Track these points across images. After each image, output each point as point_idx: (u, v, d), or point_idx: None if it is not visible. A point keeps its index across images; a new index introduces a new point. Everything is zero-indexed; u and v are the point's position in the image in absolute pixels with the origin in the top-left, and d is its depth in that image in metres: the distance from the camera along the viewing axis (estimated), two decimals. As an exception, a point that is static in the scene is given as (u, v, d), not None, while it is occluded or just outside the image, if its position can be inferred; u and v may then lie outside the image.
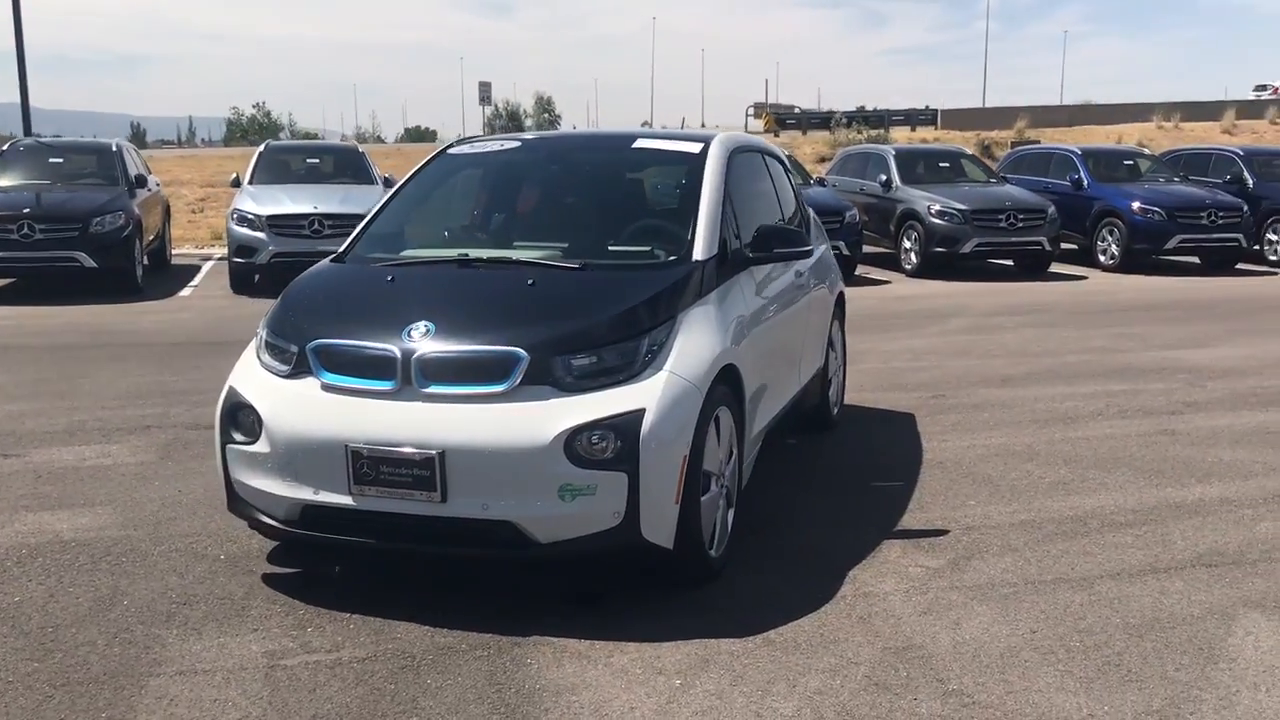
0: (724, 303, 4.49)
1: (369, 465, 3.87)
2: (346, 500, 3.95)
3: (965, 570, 4.44)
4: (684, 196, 4.85)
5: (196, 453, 6.15)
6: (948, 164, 17.12)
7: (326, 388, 4.06)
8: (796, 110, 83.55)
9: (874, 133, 34.88)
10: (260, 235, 13.02)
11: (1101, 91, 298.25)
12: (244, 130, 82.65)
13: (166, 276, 15.11)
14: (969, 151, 19.04)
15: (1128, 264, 15.88)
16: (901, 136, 36.94)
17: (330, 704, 3.38)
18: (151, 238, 14.65)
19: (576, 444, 3.78)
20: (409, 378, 3.95)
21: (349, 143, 23.39)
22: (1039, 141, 29.99)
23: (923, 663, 3.63)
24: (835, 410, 6.70)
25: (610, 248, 4.71)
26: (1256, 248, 16.66)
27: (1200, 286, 14.68)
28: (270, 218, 13.03)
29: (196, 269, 16.20)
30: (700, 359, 4.09)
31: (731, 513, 4.45)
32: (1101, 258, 16.25)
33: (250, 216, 13.12)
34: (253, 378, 4.25)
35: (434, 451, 3.81)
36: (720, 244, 4.62)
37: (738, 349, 4.42)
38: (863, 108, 69.02)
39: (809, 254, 4.99)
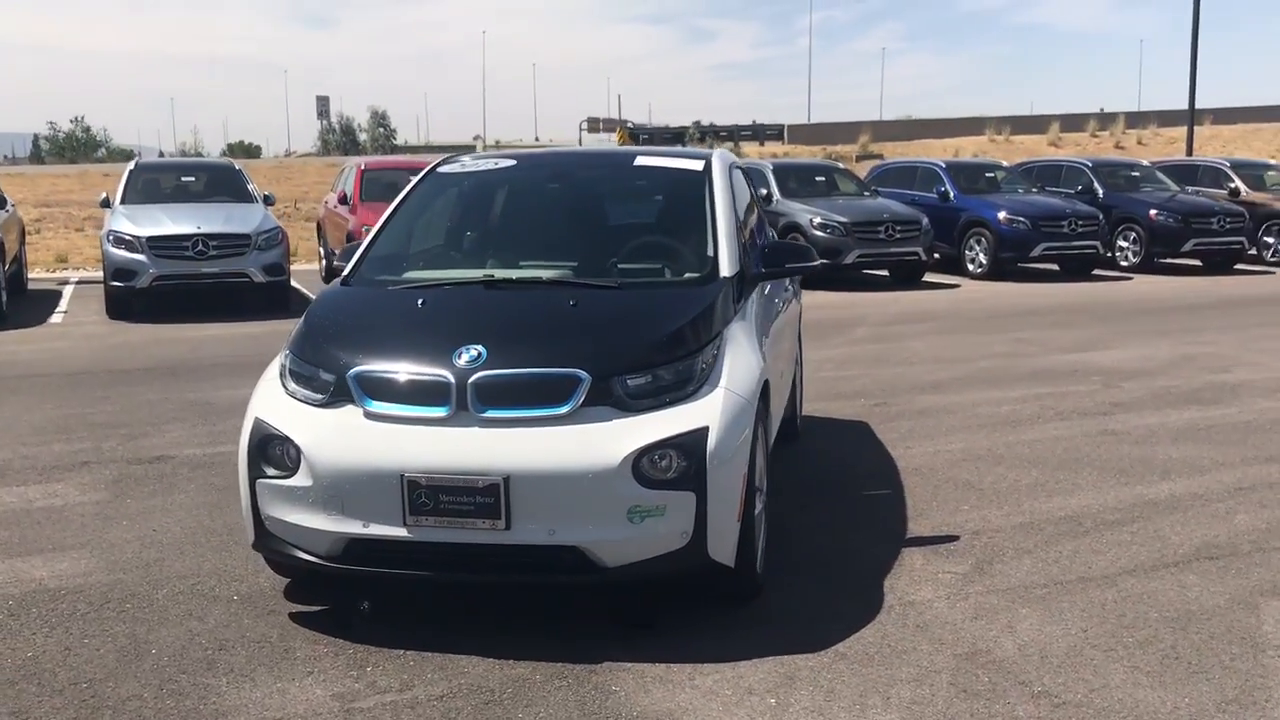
0: (750, 318, 4.51)
1: (427, 495, 3.75)
2: (400, 532, 3.81)
3: (991, 574, 4.55)
4: (696, 214, 4.85)
5: (153, 489, 5.85)
6: (823, 177, 17.61)
7: (371, 416, 3.91)
8: (629, 125, 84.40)
9: (728, 146, 35.46)
10: (140, 258, 12.42)
11: (918, 106, 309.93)
12: (60, 146, 78.69)
13: (28, 303, 14.27)
14: (842, 165, 19.58)
15: (995, 272, 16.58)
16: (752, 151, 37.69)
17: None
18: (10, 262, 13.82)
19: (643, 465, 3.74)
20: (464, 403, 3.83)
21: (223, 159, 22.56)
22: (882, 156, 31.06)
23: (997, 667, 3.71)
24: (798, 420, 6.80)
25: (631, 266, 4.67)
26: (1109, 255, 17.59)
27: (1066, 292, 15.42)
28: (151, 239, 12.46)
29: (57, 294, 15.36)
30: (749, 375, 4.10)
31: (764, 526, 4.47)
32: (970, 266, 16.91)
33: (128, 238, 12.50)
34: (282, 408, 4.06)
35: (498, 478, 3.71)
36: (739, 260, 4.64)
37: (766, 364, 4.45)
38: (698, 122, 69.94)
39: (817, 268, 5.05)
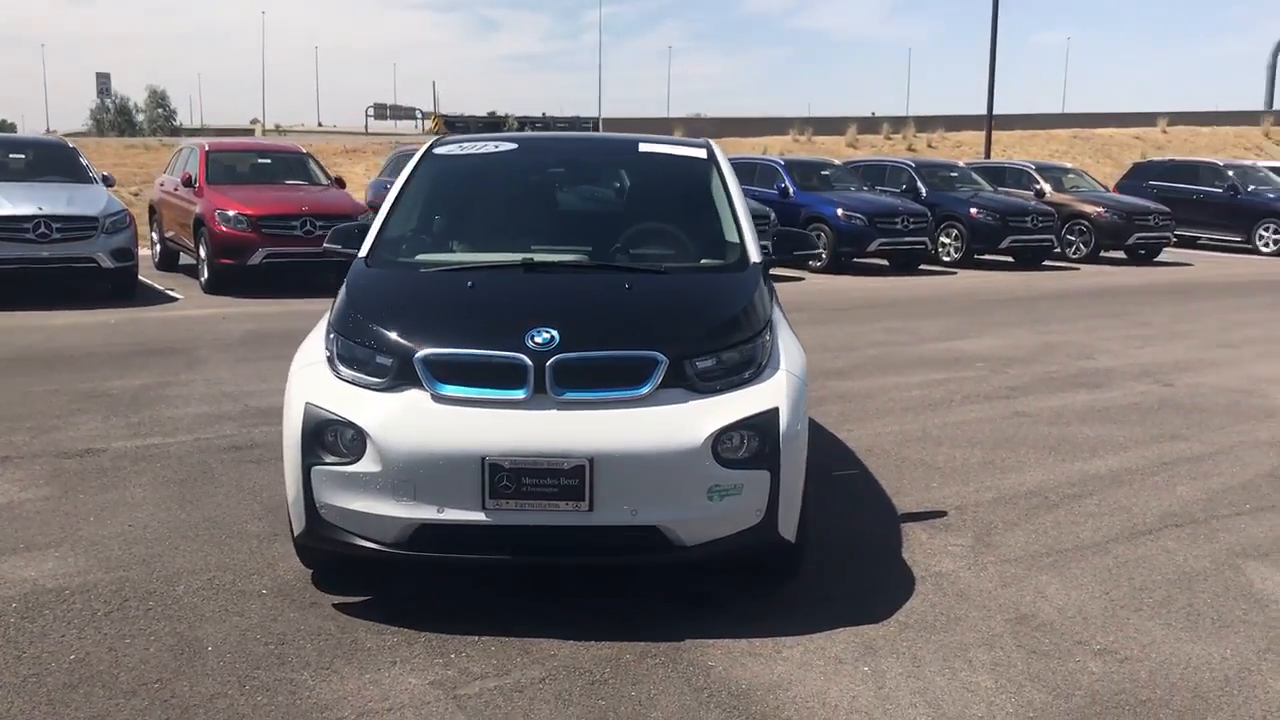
0: (778, 303, 4.65)
1: (509, 478, 3.72)
2: (478, 516, 3.76)
3: (995, 546, 4.83)
4: (712, 200, 4.95)
5: (100, 484, 5.52)
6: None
7: (442, 399, 3.84)
8: (418, 113, 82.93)
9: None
10: (-25, 241, 11.51)
11: (705, 104, 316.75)
12: None
13: None
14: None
15: (833, 266, 17.23)
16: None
17: (561, 726, 3.25)
18: None
19: (721, 445, 3.81)
20: (542, 385, 3.81)
21: (54, 136, 21.02)
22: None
23: (1050, 629, 3.97)
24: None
25: (662, 251, 4.73)
26: (933, 250, 18.58)
27: (901, 285, 16.18)
28: (-12, 222, 11.56)
29: None
30: (799, 357, 4.24)
31: None
32: (810, 260, 17.48)
33: (-40, 221, 11.56)
34: (337, 392, 3.93)
35: (583, 460, 3.72)
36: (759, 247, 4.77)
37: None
38: (493, 112, 69.47)
39: (820, 256, 5.22)
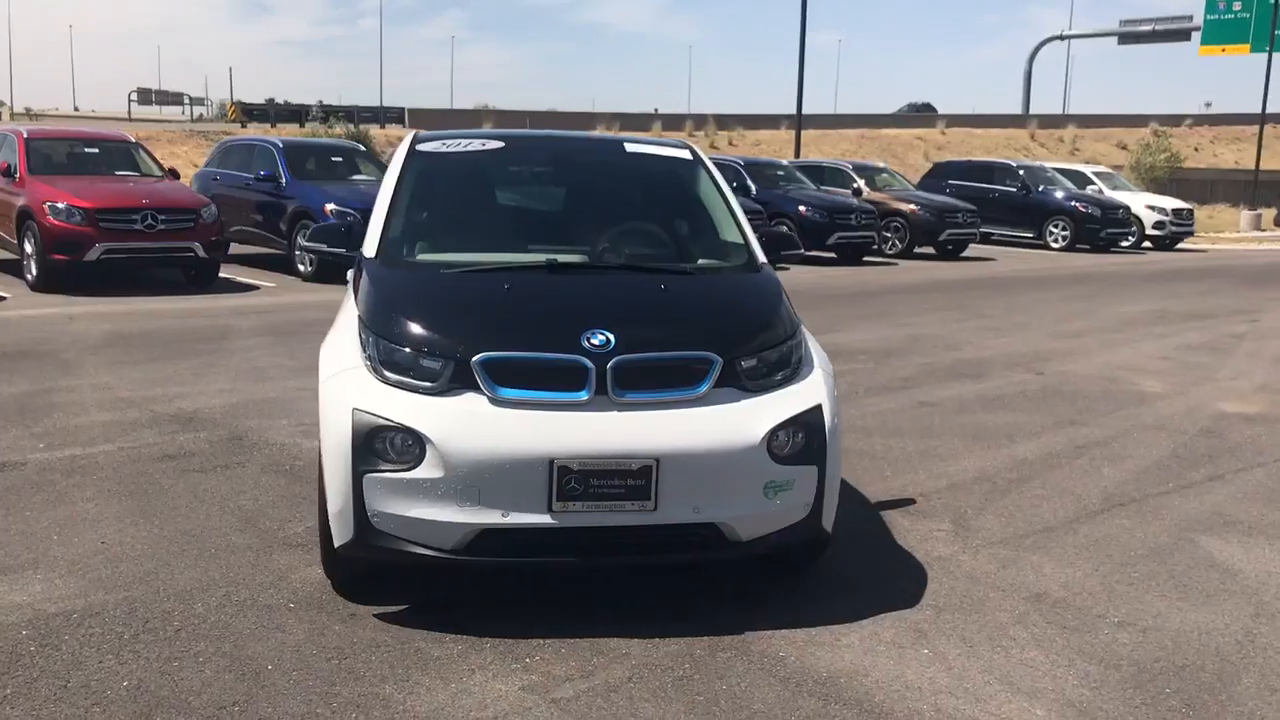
0: None
1: (577, 480, 3.72)
2: (544, 519, 3.75)
3: (975, 530, 5.11)
4: (711, 201, 5.05)
5: (40, 499, 5.19)
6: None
7: (502, 402, 3.80)
8: (185, 99, 79.28)
9: (352, 128, 34.51)
10: None
11: (489, 95, 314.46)
12: None
13: None
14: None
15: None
16: (379, 135, 36.89)
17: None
18: None
19: (774, 442, 3.93)
20: (604, 387, 3.83)
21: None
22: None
23: (1065, 606, 4.25)
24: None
25: (666, 251, 4.80)
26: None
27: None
28: None
29: None
30: (824, 355, 4.39)
31: None
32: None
33: None
34: (387, 398, 3.83)
35: (650, 460, 3.76)
36: (755, 248, 4.90)
37: None
38: (273, 99, 67.19)
39: (799, 255, 5.37)
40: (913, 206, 21.11)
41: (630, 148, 5.31)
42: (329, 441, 3.85)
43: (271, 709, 3.33)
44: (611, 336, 3.89)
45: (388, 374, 3.89)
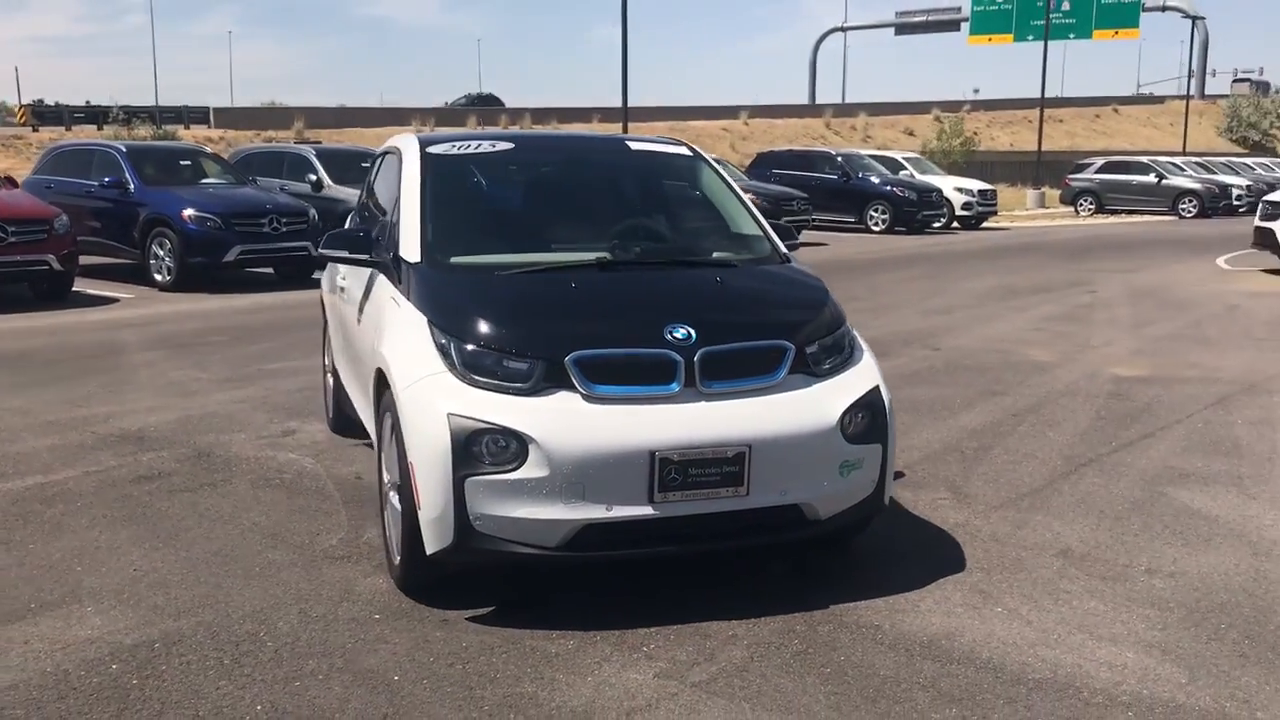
0: None
1: (677, 470, 3.84)
2: (646, 511, 3.86)
3: (971, 496, 5.45)
4: (723, 197, 5.22)
5: (34, 530, 4.96)
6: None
7: (596, 399, 3.88)
8: (54, 104, 74.15)
9: (156, 130, 32.91)
10: None
11: (272, 92, 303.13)
12: None
13: None
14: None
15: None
16: (185, 135, 35.29)
17: (817, 693, 3.47)
18: None
19: (845, 423, 4.14)
20: (692, 379, 3.96)
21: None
22: (320, 141, 30.64)
23: (1094, 559, 4.61)
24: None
25: (706, 245, 4.95)
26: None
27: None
28: None
29: None
30: (863, 340, 4.63)
31: None
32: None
33: None
34: (479, 401, 3.85)
35: (743, 447, 3.91)
36: (772, 242, 5.11)
37: None
38: (41, 100, 63.58)
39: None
40: (751, 195, 21.60)
41: (634, 146, 5.42)
42: (423, 449, 3.84)
43: (427, 715, 3.32)
44: (692, 329, 4.01)
45: (476, 377, 3.91)
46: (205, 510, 5.19)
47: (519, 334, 3.97)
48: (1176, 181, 34.03)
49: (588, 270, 4.46)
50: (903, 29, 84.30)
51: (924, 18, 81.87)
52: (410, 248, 4.53)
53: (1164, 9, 77.22)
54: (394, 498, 4.18)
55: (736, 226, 5.12)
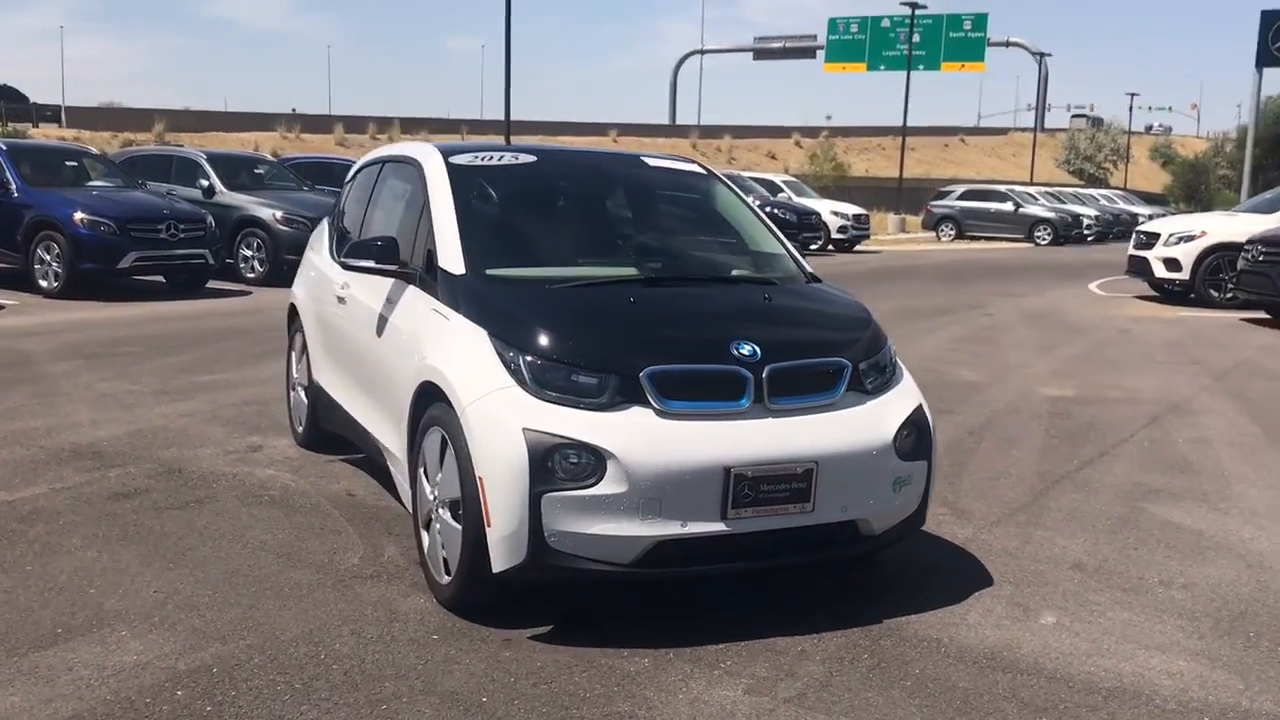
0: None
1: (749, 486, 3.87)
2: (718, 527, 3.87)
3: (968, 514, 5.60)
4: (737, 214, 5.26)
5: (24, 550, 4.70)
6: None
7: (670, 414, 3.87)
8: None
9: (3, 128, 31.26)
10: None
11: (112, 93, 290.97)
12: None
13: None
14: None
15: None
16: (35, 134, 33.60)
17: (908, 706, 3.53)
18: None
19: (898, 440, 4.23)
20: (760, 395, 3.99)
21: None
22: (182, 144, 29.66)
23: (1107, 573, 4.79)
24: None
25: (738, 261, 5.00)
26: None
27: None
28: None
29: None
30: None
31: None
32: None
33: None
34: (554, 416, 3.79)
35: (811, 463, 3.96)
36: (786, 259, 5.19)
37: None
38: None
39: None
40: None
41: (651, 162, 5.43)
42: (496, 464, 3.76)
43: (531, 739, 3.25)
44: (758, 346, 4.04)
45: (547, 391, 3.85)
46: (203, 529, 4.98)
47: (592, 349, 3.93)
48: (1032, 210, 35.63)
49: (636, 286, 4.44)
50: (761, 54, 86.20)
51: (781, 44, 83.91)
52: (452, 259, 4.44)
53: (1008, 45, 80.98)
54: (444, 515, 4.09)
55: (760, 245, 5.18)
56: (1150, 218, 42.79)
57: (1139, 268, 16.91)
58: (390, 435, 4.77)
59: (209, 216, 14.09)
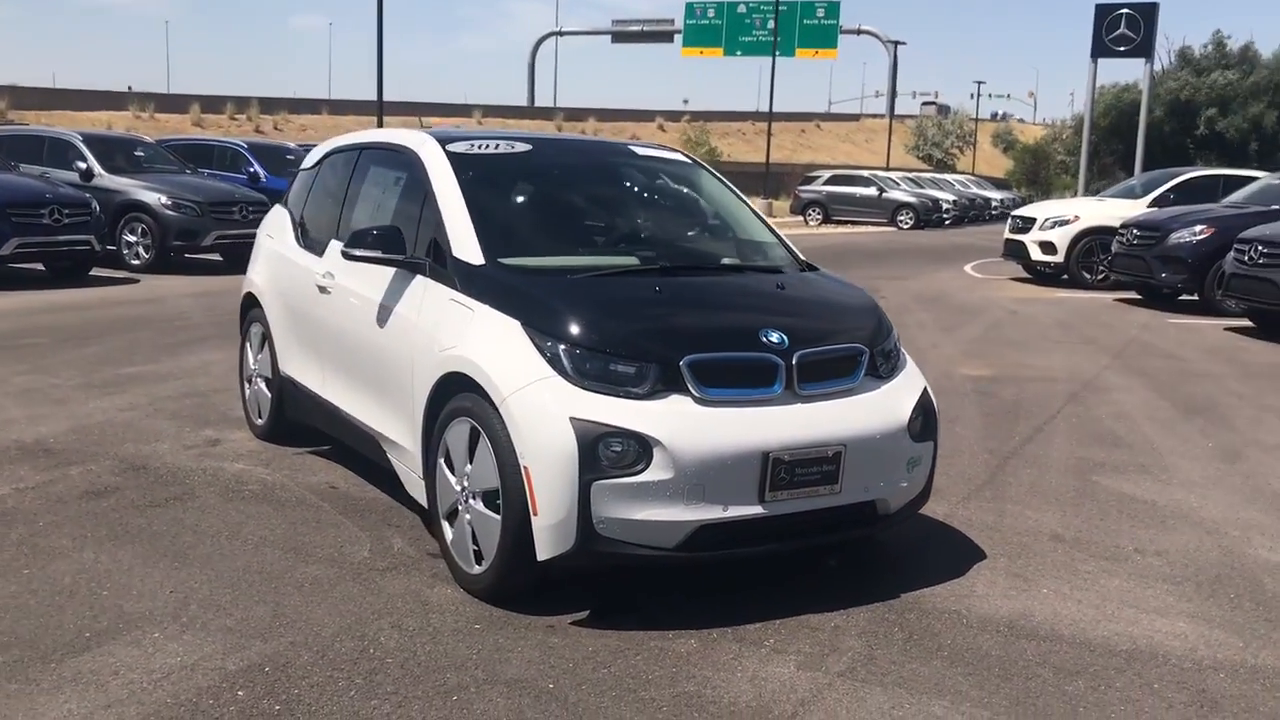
0: None
1: (786, 470, 3.99)
2: (756, 510, 3.98)
3: (936, 490, 5.84)
4: (721, 203, 5.37)
5: (14, 554, 4.52)
6: None
7: (708, 401, 3.97)
8: None
9: None
10: None
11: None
12: None
13: None
14: None
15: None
16: None
17: (954, 675, 3.70)
18: None
19: (910, 423, 4.42)
20: (791, 382, 4.12)
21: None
22: (28, 123, 28.36)
23: (1085, 543, 5.06)
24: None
25: (726, 249, 5.08)
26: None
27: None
28: None
29: None
30: None
31: None
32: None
33: None
34: (598, 404, 3.84)
35: (840, 446, 4.11)
36: (773, 249, 5.33)
37: None
38: None
39: None
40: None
41: (640, 150, 5.48)
42: (543, 454, 3.80)
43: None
44: (784, 334, 4.16)
45: (588, 381, 3.90)
46: (195, 526, 4.86)
47: (631, 338, 3.98)
48: (895, 195, 36.70)
49: (654, 276, 4.50)
50: (619, 37, 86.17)
51: (639, 27, 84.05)
52: (468, 249, 4.43)
53: (859, 32, 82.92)
54: (477, 505, 4.09)
55: (753, 233, 5.29)
56: (1003, 202, 44.66)
57: (1015, 251, 17.63)
58: (393, 426, 4.73)
59: (94, 201, 13.52)
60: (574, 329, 3.99)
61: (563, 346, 3.95)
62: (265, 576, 4.32)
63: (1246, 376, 9.57)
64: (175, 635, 3.79)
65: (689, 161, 5.58)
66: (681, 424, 3.85)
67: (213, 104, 43.79)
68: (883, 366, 4.43)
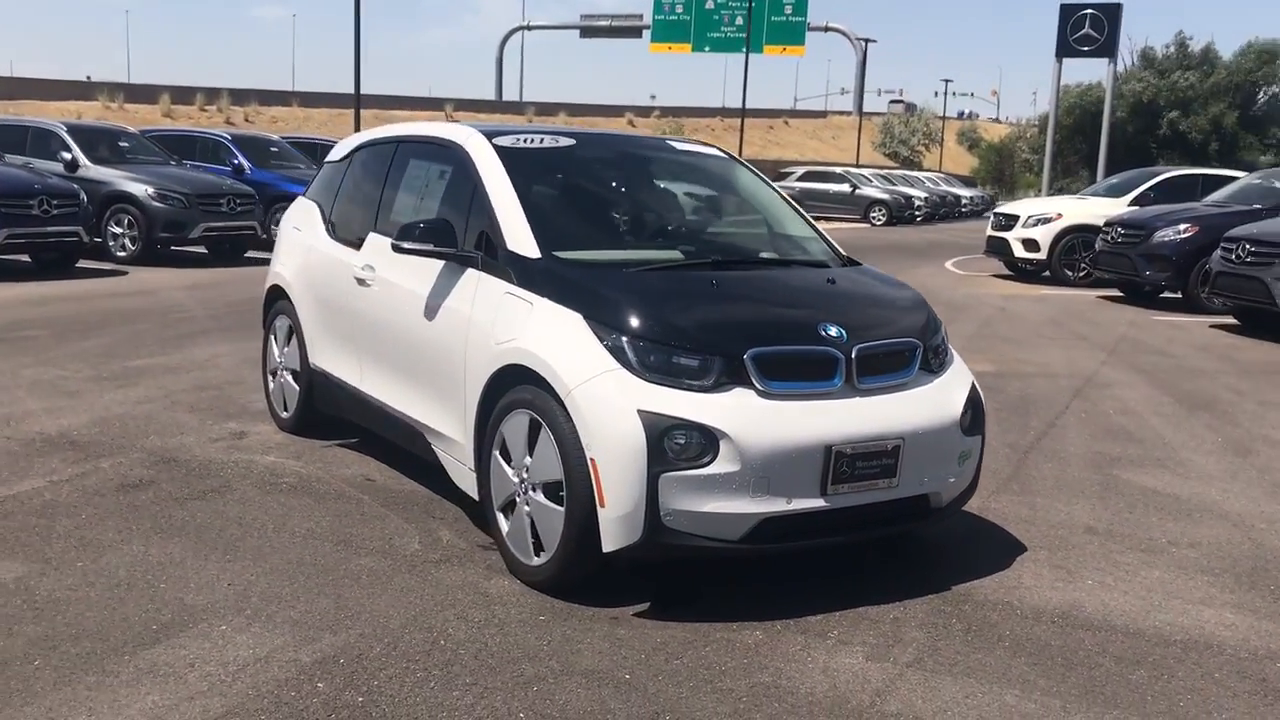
0: None
1: (848, 463, 4.03)
2: (818, 503, 4.02)
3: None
4: (761, 198, 5.41)
5: (65, 545, 4.49)
6: None
7: (771, 395, 4.00)
8: None
9: None
10: None
11: None
12: None
13: None
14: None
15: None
16: None
17: (1019, 664, 3.75)
18: None
19: (962, 417, 4.47)
20: (850, 376, 4.16)
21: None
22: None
23: (1117, 536, 5.14)
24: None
25: (772, 243, 5.12)
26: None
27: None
28: None
29: None
30: None
31: None
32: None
33: None
34: (664, 397, 3.86)
35: (899, 440, 4.16)
36: (813, 243, 5.37)
37: None
38: None
39: None
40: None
41: (678, 145, 5.51)
42: (611, 446, 3.82)
43: (695, 711, 3.35)
44: (843, 328, 4.20)
45: (652, 374, 3.92)
46: (240, 519, 4.85)
47: (695, 331, 4.01)
48: (868, 192, 36.90)
49: (704, 269, 4.53)
50: (587, 32, 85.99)
51: (608, 22, 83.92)
52: (524, 243, 4.44)
53: (827, 29, 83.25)
54: (538, 497, 4.11)
55: (794, 228, 5.33)
56: (973, 200, 45.03)
57: (998, 248, 17.80)
58: (441, 419, 4.73)
59: (82, 192, 13.37)
60: (637, 322, 4.01)
61: (626, 339, 3.97)
62: (320, 569, 4.32)
63: (1242, 373, 9.73)
64: (242, 628, 3.78)
65: (726, 157, 5.61)
66: (747, 417, 3.88)
67: (182, 95, 43.28)
68: (934, 361, 4.48)
